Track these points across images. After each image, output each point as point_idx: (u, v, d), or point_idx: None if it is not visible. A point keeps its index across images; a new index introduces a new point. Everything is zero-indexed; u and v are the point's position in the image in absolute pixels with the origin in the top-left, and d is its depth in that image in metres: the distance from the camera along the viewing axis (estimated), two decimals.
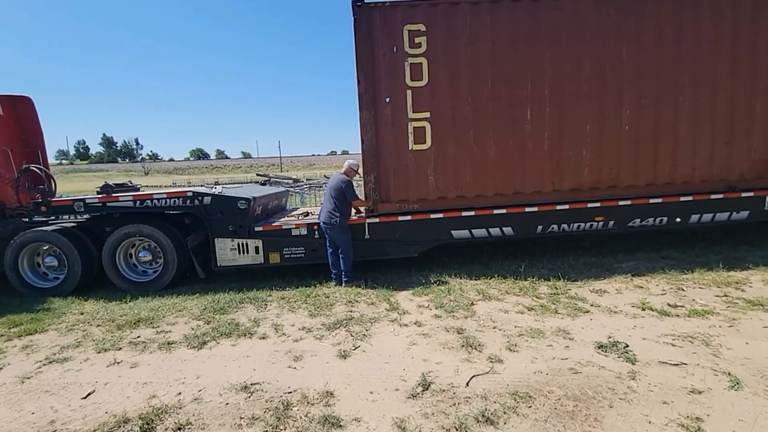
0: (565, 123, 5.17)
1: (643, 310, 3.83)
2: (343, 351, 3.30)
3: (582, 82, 5.11)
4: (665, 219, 5.42)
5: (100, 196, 5.44)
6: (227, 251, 5.26)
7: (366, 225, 5.33)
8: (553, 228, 5.44)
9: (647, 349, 3.10)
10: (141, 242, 5.36)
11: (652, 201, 5.32)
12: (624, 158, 5.25)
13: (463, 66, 5.06)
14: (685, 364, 2.87)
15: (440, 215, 5.32)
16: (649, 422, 2.27)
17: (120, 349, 3.59)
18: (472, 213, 5.32)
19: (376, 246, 5.38)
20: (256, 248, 5.28)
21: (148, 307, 4.53)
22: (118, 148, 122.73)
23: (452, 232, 5.39)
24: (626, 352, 3.03)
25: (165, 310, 4.42)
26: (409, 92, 5.09)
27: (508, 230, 5.43)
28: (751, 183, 5.40)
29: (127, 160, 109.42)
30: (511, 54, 5.06)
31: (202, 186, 9.51)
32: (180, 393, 2.84)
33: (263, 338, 3.65)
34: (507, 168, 5.25)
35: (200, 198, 5.16)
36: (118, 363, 3.33)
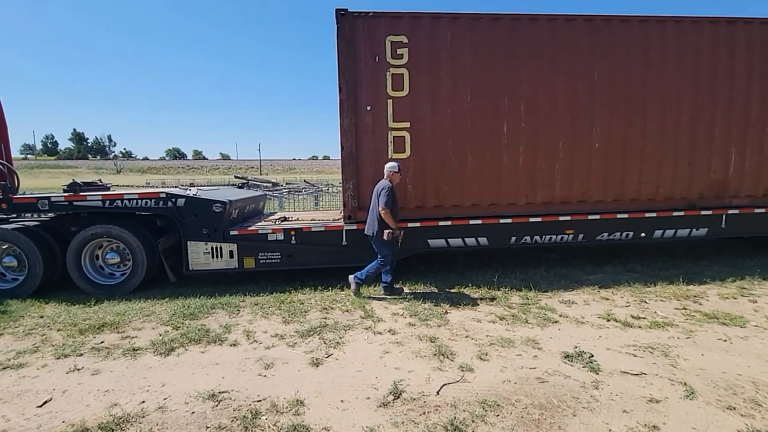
0: (539, 138, 5.36)
1: (608, 321, 3.98)
2: (316, 359, 3.28)
3: (556, 99, 5.32)
4: (631, 233, 5.67)
5: (66, 194, 5.23)
6: (200, 255, 5.14)
7: (344, 231, 5.34)
8: (526, 239, 5.59)
9: (611, 359, 3.22)
10: (109, 243, 5.18)
11: (619, 216, 5.56)
12: (593, 174, 5.47)
13: (443, 78, 5.18)
14: (645, 374, 2.99)
15: (417, 224, 5.38)
16: (610, 430, 2.36)
17: (81, 355, 3.44)
18: (449, 223, 5.40)
19: (353, 253, 5.38)
20: (231, 252, 5.18)
21: (113, 311, 4.37)
22: (89, 145, 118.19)
23: (429, 241, 5.46)
24: (591, 362, 3.13)
25: (132, 315, 4.27)
26: (390, 102, 5.16)
27: (483, 240, 5.54)
28: (710, 202, 5.72)
29: (99, 158, 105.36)
30: (489, 69, 5.22)
31: (176, 187, 9.27)
32: (144, 401, 2.75)
33: (234, 345, 3.58)
34: (483, 180, 5.37)
35: (174, 200, 5.04)
36: (79, 369, 3.19)
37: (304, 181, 32.05)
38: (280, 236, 5.28)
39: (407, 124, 5.22)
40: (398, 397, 2.73)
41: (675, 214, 5.66)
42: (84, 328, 3.94)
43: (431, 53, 5.14)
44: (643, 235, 5.69)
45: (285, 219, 6.03)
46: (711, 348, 3.40)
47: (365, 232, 4.82)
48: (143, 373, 3.12)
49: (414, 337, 3.67)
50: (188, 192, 5.23)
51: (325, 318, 4.14)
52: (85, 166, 71.22)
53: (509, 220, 5.48)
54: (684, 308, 4.27)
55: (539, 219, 5.50)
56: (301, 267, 5.38)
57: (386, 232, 4.57)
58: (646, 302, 4.49)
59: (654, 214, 5.62)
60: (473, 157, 5.32)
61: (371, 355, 3.36)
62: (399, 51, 5.10)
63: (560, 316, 4.13)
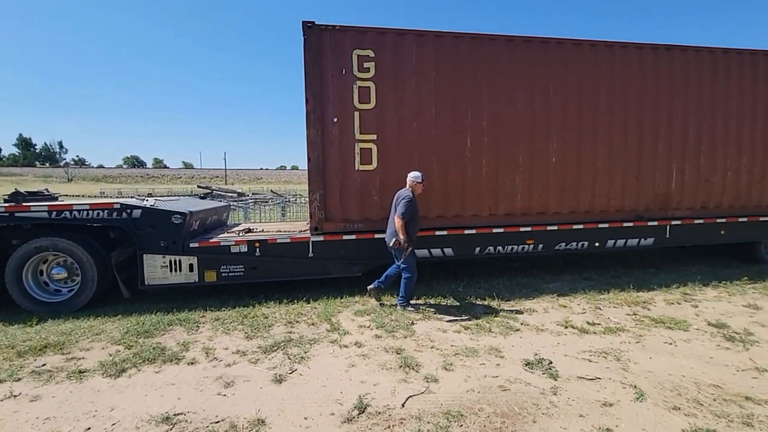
0: (501, 152, 5.57)
1: (566, 328, 4.14)
2: (279, 375, 3.19)
3: (515, 115, 5.56)
4: (586, 243, 5.97)
5: (7, 204, 4.85)
6: (157, 269, 4.90)
7: (310, 243, 5.28)
8: (489, 250, 5.75)
9: (568, 365, 3.35)
10: (55, 257, 4.83)
11: (575, 227, 5.85)
12: (551, 187, 5.74)
13: (408, 93, 5.30)
14: (599, 378, 3.13)
15: (384, 235, 5.41)
16: None
17: (19, 379, 3.16)
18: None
19: (320, 264, 5.33)
20: (191, 266, 4.98)
21: (58, 331, 4.06)
22: (38, 151, 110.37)
23: None
24: (550, 369, 3.25)
25: (79, 334, 3.98)
26: (356, 114, 5.21)
27: (448, 251, 5.65)
28: (656, 213, 6.14)
29: (48, 165, 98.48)
30: (453, 85, 5.40)
31: (134, 197, 8.83)
32: (89, 428, 2.56)
33: (192, 363, 3.42)
34: (448, 192, 5.50)
35: (129, 210, 4.79)
36: (15, 396, 2.93)
37: (271, 191, 31.44)
38: (244, 248, 5.13)
39: (374, 137, 5.27)
40: (363, 412, 2.70)
41: (625, 224, 6.02)
42: (23, 350, 3.64)
43: (397, 68, 5.25)
44: (597, 244, 6.01)
45: (249, 230, 5.88)
46: (658, 351, 3.62)
47: (386, 240, 4.70)
48: (90, 397, 2.91)
49: (380, 349, 3.66)
50: (145, 202, 4.99)
51: (290, 332, 4.05)
52: (32, 174, 66.33)
53: (473, 231, 5.62)
54: (634, 314, 4.53)
55: (502, 230, 5.69)
56: (265, 280, 5.25)
57: (394, 240, 4.53)
58: (600, 309, 4.72)
59: (606, 225, 5.96)
60: (438, 169, 5.45)
61: (337, 369, 3.32)
62: (366, 65, 5.17)
63: (522, 324, 4.26)
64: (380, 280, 4.82)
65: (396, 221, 4.47)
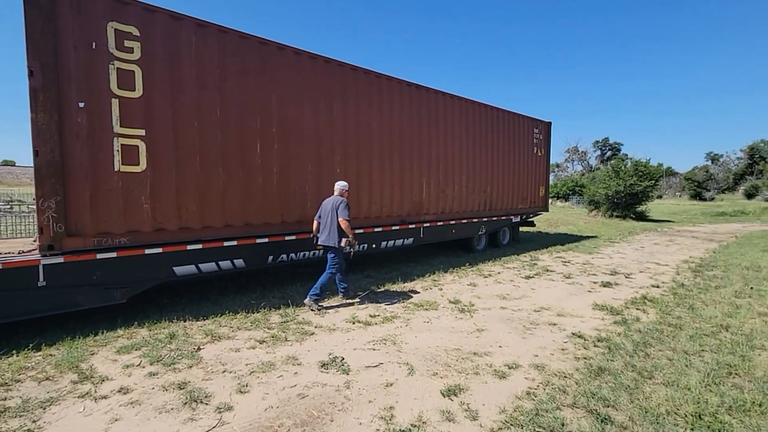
0: (291, 160, 5.66)
1: (354, 323, 4.60)
2: None
3: (303, 125, 5.78)
4: (366, 245, 6.81)
5: None
6: None
7: (41, 268, 3.89)
8: (282, 257, 5.75)
9: (358, 357, 3.72)
10: None
11: (356, 231, 6.56)
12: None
13: (188, 87, 4.68)
14: (382, 363, 3.62)
15: (159, 250, 4.58)
16: (360, 424, 2.71)
17: None
18: (200, 246, 4.88)
19: (60, 295, 4.01)
20: None
21: None
22: None
23: (174, 268, 4.74)
24: (343, 365, 3.52)
25: None
26: (115, 102, 4.22)
27: (239, 262, 5.30)
28: (414, 218, 7.63)
29: None
30: (240, 86, 5.12)
31: None
32: None
33: None
34: (238, 199, 5.17)
35: None
36: None
37: None
38: None
39: (142, 132, 4.39)
40: None
41: (394, 228, 7.22)
42: None
43: (173, 56, 4.56)
44: (374, 246, 6.96)
45: None
46: (421, 330, 4.49)
47: (321, 243, 5.22)
48: None
49: (157, 388, 3.06)
50: None
51: (4, 401, 2.85)
52: None
53: (265, 240, 5.49)
54: (403, 302, 5.47)
55: (294, 237, 5.79)
56: None
57: (345, 240, 5.08)
58: (378, 302, 5.47)
59: (380, 229, 6.98)
60: (226, 174, 5.04)
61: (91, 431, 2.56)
62: (128, 43, 4.25)
63: (316, 327, 4.44)
64: (315, 291, 5.06)
65: (343, 223, 5.04)
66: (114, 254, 4.29)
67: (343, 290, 5.49)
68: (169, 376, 3.26)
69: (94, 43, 4.08)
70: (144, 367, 3.40)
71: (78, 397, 2.93)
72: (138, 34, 4.32)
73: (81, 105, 4.03)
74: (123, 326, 4.23)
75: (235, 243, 5.19)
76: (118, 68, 4.21)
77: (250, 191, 5.27)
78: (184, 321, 4.46)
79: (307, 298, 5.07)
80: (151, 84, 4.42)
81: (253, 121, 5.26)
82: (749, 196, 41.31)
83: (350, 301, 5.43)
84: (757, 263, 8.21)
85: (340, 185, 5.38)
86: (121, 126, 4.25)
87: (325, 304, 5.26)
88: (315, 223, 5.47)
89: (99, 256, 4.20)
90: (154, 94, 4.45)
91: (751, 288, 6.19)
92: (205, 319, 4.54)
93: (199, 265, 4.94)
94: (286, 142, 5.59)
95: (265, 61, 5.34)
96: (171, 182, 4.62)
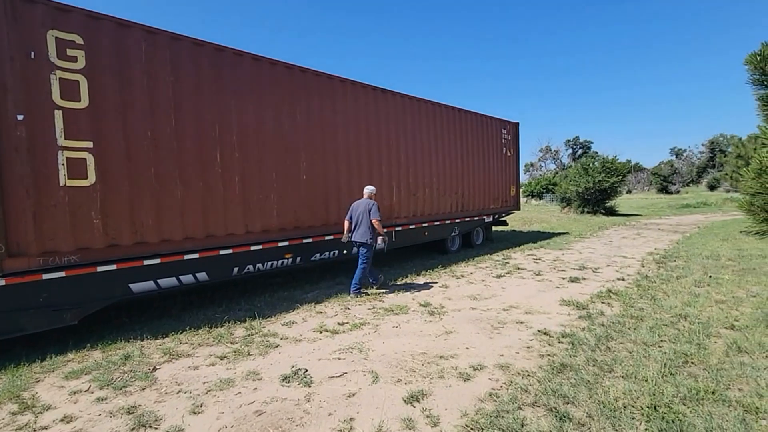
0: (254, 169, 5.54)
1: (321, 333, 4.50)
2: None
3: (266, 133, 5.67)
4: (336, 252, 6.73)
5: None
6: None
7: None
8: (249, 268, 5.60)
9: (321, 368, 3.63)
10: None
11: (326, 238, 6.49)
12: (303, 203, 6.16)
13: (139, 96, 4.52)
14: (346, 373, 3.54)
15: (113, 267, 4.38)
16: None
17: None
18: (158, 261, 4.69)
19: (1, 321, 3.76)
20: None
21: None
22: None
23: (131, 285, 4.54)
24: (305, 377, 3.42)
25: None
26: (59, 113, 4.02)
27: (202, 276, 5.13)
28: (386, 222, 7.57)
29: None
30: (197, 95, 4.98)
31: None
32: None
33: None
34: (198, 210, 5.01)
35: None
36: None
37: None
38: None
39: (89, 144, 4.20)
40: None
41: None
42: None
43: (121, 65, 4.39)
44: (345, 252, 6.87)
45: None
46: (389, 335, 4.43)
47: (356, 240, 5.87)
48: None
49: (104, 414, 2.89)
50: None
51: None
52: None
53: (230, 251, 5.33)
54: (373, 307, 5.41)
55: (260, 246, 5.65)
56: None
57: (380, 238, 5.89)
58: (349, 308, 5.39)
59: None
60: (184, 185, 4.88)
61: None
62: (71, 52, 4.07)
63: (281, 339, 4.32)
64: (355, 287, 5.85)
65: (376, 223, 5.77)
66: (62, 273, 4.06)
67: (374, 281, 6.22)
68: (119, 400, 3.09)
69: (32, 53, 3.88)
70: (92, 393, 3.21)
71: (15, 430, 2.73)
72: (82, 42, 4.14)
73: (20, 117, 3.81)
74: (74, 349, 4.01)
75: (196, 256, 5.01)
76: (60, 78, 4.01)
77: (211, 201, 5.12)
78: (142, 340, 4.26)
79: (351, 294, 5.83)
80: (98, 94, 4.23)
81: (212, 129, 5.11)
82: (711, 188, 43.33)
83: (379, 291, 6.14)
84: (717, 252, 8.56)
85: (369, 189, 6.04)
86: (65, 138, 4.05)
87: (291, 318, 5.14)
88: (346, 223, 6.03)
89: (45, 276, 3.97)
90: (102, 105, 4.26)
91: (710, 277, 6.42)
92: (164, 337, 4.36)
93: (158, 281, 4.74)
94: (247, 150, 5.46)
95: (223, 68, 5.21)
96: (124, 195, 4.42)
